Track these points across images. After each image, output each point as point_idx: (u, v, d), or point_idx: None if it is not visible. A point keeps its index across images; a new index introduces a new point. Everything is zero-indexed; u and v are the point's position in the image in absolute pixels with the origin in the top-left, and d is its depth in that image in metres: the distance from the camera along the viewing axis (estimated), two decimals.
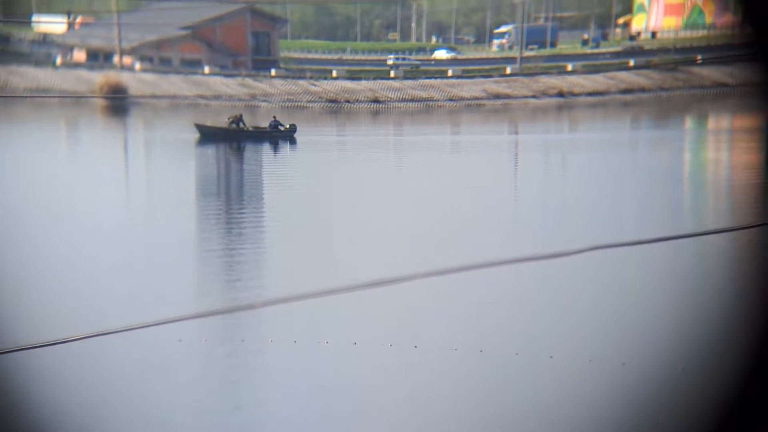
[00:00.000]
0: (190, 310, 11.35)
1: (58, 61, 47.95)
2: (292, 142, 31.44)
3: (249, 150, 29.95)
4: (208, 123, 32.41)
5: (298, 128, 32.17)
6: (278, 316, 10.94)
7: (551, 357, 9.86)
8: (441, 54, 60.90)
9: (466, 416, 8.56)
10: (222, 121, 31.87)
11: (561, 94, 51.46)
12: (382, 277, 11.69)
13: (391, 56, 57.85)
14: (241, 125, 31.50)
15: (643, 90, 51.82)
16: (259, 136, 31.62)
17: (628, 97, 51.14)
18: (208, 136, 30.89)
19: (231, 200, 21.34)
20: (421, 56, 60.97)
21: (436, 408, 8.75)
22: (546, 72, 53.67)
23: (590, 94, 51.86)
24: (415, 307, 11.60)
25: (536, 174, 26.64)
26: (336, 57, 59.52)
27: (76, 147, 32.00)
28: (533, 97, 51.05)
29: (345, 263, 14.01)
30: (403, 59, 57.27)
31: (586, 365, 9.66)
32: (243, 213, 19.32)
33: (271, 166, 28.09)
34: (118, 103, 42.59)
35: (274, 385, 9.27)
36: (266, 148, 30.46)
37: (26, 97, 41.49)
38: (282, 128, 31.92)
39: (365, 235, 16.61)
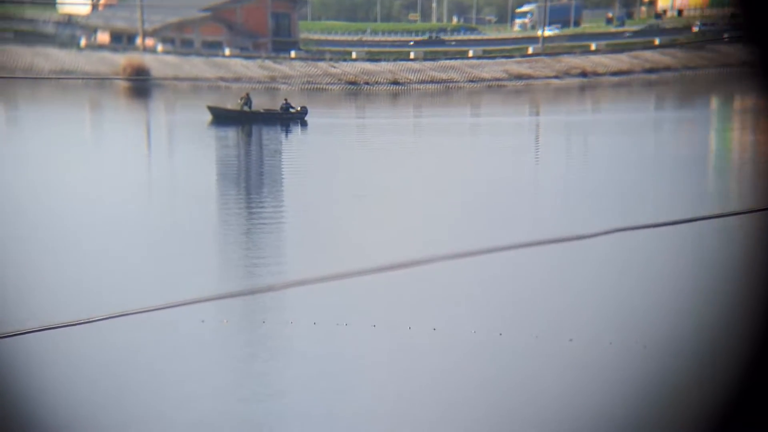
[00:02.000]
0: (211, 292, 11.51)
1: (83, 42, 48.33)
2: (303, 124, 31.53)
3: (261, 132, 30.11)
4: (228, 106, 32.65)
5: (309, 110, 32.26)
6: (298, 298, 11.04)
7: (571, 340, 9.84)
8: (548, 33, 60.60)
9: (485, 399, 8.59)
10: (237, 103, 32.07)
11: (584, 74, 50.67)
12: (401, 260, 11.71)
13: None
14: (251, 106, 31.74)
15: (668, 69, 50.82)
16: (270, 118, 31.81)
17: (653, 76, 50.19)
18: (220, 118, 31.15)
19: (249, 182, 21.50)
20: (469, 36, 60.51)
21: (454, 391, 8.80)
22: (569, 52, 52.84)
23: (614, 73, 51.00)
24: (434, 290, 11.63)
25: (557, 156, 26.36)
26: (356, 38, 59.18)
27: (99, 128, 32.38)
28: (555, 77, 50.36)
29: (364, 245, 14.06)
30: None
31: (607, 348, 9.63)
32: (262, 195, 19.47)
33: (286, 149, 28.23)
34: (140, 85, 42.90)
35: (294, 366, 9.39)
36: (278, 130, 30.58)
37: (51, 78, 41.90)
38: (293, 110, 32.01)
39: (384, 217, 16.63)
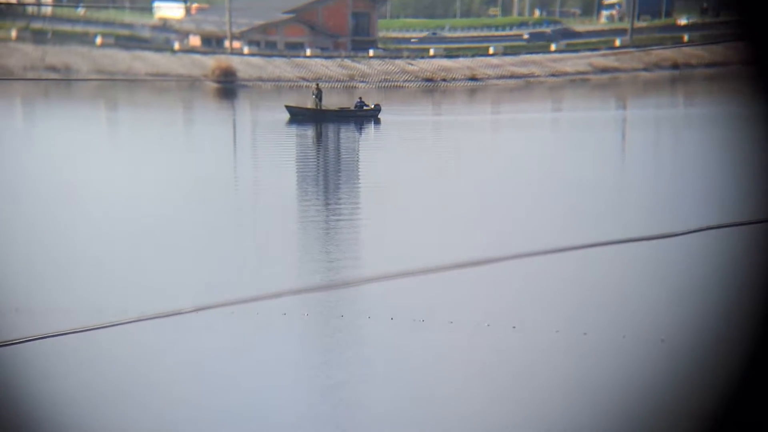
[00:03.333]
0: (292, 286, 11.76)
1: (176, 46, 50.63)
2: (377, 122, 31.86)
3: (334, 130, 30.66)
4: (308, 104, 33.48)
5: (383, 108, 32.66)
6: (376, 294, 11.10)
7: (662, 340, 9.39)
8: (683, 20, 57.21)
9: (567, 400, 8.33)
10: (314, 102, 32.88)
11: (675, 66, 48.28)
12: (480, 257, 11.54)
13: None
14: (322, 97, 32.49)
15: None
16: (344, 116, 32.40)
17: (754, 68, 47.03)
18: (297, 116, 32.07)
19: (327, 178, 21.87)
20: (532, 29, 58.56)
21: (536, 391, 8.59)
22: (659, 43, 50.53)
23: (708, 65, 48.29)
24: (514, 288, 11.39)
25: (645, 151, 25.27)
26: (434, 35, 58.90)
27: (190, 128, 33.85)
28: (644, 69, 48.28)
29: (443, 242, 13.97)
30: None
31: (701, 350, 9.13)
32: (339, 191, 19.73)
33: (361, 146, 28.58)
34: (228, 86, 44.49)
35: (371, 361, 9.44)
36: (352, 127, 31.02)
37: (147, 80, 44.12)
38: (366, 108, 32.49)
39: (463, 213, 16.47)
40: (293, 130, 30.74)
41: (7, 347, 7.51)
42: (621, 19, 60.78)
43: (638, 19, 55.64)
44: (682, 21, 56.46)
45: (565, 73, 47.94)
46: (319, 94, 32.65)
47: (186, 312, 9.47)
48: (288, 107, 32.95)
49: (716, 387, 8.39)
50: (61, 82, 42.59)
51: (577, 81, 47.09)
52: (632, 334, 9.65)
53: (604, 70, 48.36)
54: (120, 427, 7.84)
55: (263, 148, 27.65)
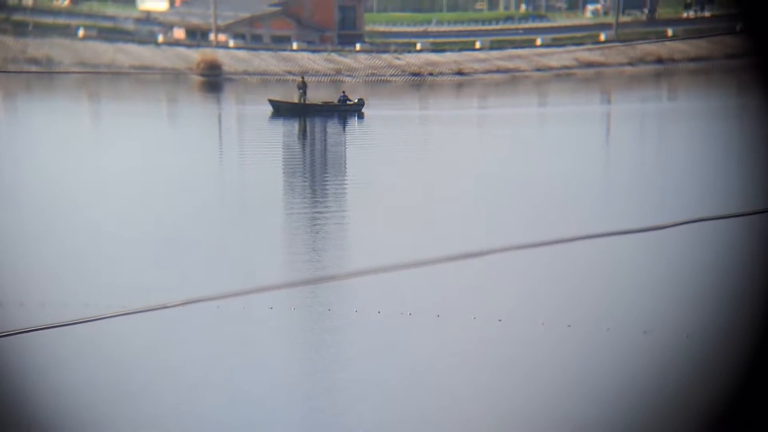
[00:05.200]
0: (279, 280, 11.74)
1: (160, 38, 50.02)
2: (360, 116, 31.89)
3: (317, 124, 30.66)
4: (294, 99, 33.36)
5: (367, 103, 32.67)
6: (363, 288, 11.12)
7: (645, 332, 9.50)
8: None
9: (552, 392, 8.42)
10: (298, 96, 32.77)
11: (660, 61, 48.68)
12: (466, 251, 11.60)
13: None
14: (306, 90, 32.43)
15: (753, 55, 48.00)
16: (327, 110, 32.39)
17: (735, 62, 47.66)
18: (280, 110, 31.98)
19: (313, 172, 21.82)
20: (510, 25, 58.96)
21: (520, 383, 8.66)
22: (644, 38, 50.85)
23: (692, 60, 48.72)
24: (500, 281, 11.47)
25: (629, 145, 25.48)
26: (421, 29, 58.84)
27: (174, 122, 33.60)
28: (629, 64, 48.60)
29: (429, 236, 14.01)
30: None
31: (684, 341, 9.25)
32: (325, 185, 19.71)
33: (342, 140, 28.60)
34: (213, 79, 44.13)
35: (359, 354, 9.47)
36: (335, 122, 31.03)
37: (131, 73, 43.62)
38: (350, 103, 32.48)
39: (450, 208, 16.52)
40: (278, 123, 30.67)
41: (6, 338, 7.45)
42: (606, 13, 61.12)
43: (623, 13, 55.98)
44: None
45: (551, 68, 48.13)
46: (303, 88, 32.59)
47: (172, 306, 9.44)
48: (271, 101, 32.86)
49: (701, 378, 8.50)
50: (43, 74, 42.04)
51: (563, 75, 47.33)
52: (616, 327, 9.76)
53: (590, 64, 48.61)
54: (109, 417, 7.82)
55: (248, 142, 27.52)
